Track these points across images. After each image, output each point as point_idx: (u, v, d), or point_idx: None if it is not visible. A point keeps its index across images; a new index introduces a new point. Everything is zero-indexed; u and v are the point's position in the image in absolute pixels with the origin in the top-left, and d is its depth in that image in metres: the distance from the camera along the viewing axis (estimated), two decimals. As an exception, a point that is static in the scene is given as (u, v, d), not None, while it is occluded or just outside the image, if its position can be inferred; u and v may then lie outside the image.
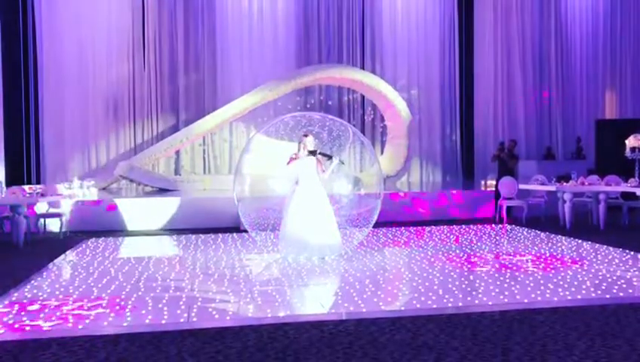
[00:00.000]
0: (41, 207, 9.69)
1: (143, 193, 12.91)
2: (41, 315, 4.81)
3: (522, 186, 11.11)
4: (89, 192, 11.63)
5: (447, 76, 17.01)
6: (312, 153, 7.23)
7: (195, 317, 4.76)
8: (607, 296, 5.29)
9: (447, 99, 17.01)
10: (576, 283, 5.81)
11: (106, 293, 5.58)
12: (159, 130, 15.35)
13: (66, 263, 7.35)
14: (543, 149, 16.77)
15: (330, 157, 7.33)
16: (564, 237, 8.81)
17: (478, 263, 6.96)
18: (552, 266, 6.67)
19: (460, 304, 5.08)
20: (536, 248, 7.93)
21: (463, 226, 10.16)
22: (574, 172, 10.66)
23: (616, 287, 5.61)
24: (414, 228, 9.98)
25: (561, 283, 5.81)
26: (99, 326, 4.53)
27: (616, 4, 17.66)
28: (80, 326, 4.50)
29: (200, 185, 13.69)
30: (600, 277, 6.05)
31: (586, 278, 6.01)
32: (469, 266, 6.78)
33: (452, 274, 6.33)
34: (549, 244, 8.24)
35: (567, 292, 5.42)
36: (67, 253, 8.03)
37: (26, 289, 5.79)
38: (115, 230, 10.20)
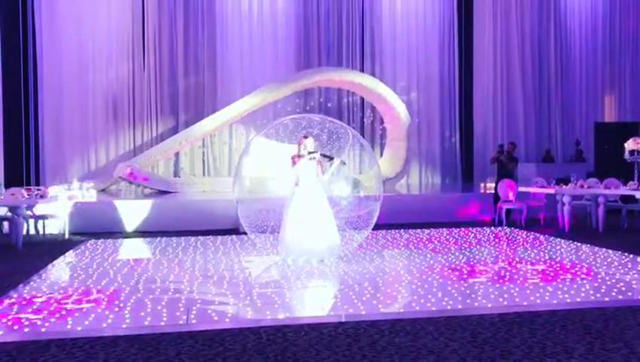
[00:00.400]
0: (40, 209, 9.67)
1: (142, 195, 12.90)
2: (40, 317, 4.80)
3: (522, 189, 11.11)
4: (88, 194, 11.62)
5: (447, 79, 17.04)
6: (312, 154, 7.22)
7: (194, 319, 4.75)
8: (607, 299, 5.29)
9: (446, 101, 17.03)
10: (575, 286, 5.80)
11: (105, 295, 5.57)
12: (159, 131, 15.36)
13: (65, 264, 7.35)
14: (542, 152, 16.79)
15: (330, 159, 7.32)
16: (563, 240, 8.81)
17: (477, 266, 6.95)
18: (551, 269, 6.67)
19: (459, 306, 5.08)
20: (535, 251, 7.93)
21: (462, 229, 10.16)
22: (573, 175, 10.67)
23: (615, 290, 5.61)
24: (413, 231, 9.97)
25: (560, 285, 5.81)
26: (98, 327, 4.52)
27: (615, 7, 17.69)
28: (79, 328, 4.50)
29: (199, 187, 13.69)
30: (599, 280, 6.05)
31: (585, 281, 6.01)
32: (468, 269, 6.77)
33: (451, 276, 6.32)
34: (548, 247, 8.24)
35: (567, 295, 5.42)
36: (66, 254, 8.03)
37: (25, 291, 5.78)
38: (114, 231, 10.20)
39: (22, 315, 4.86)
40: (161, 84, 15.44)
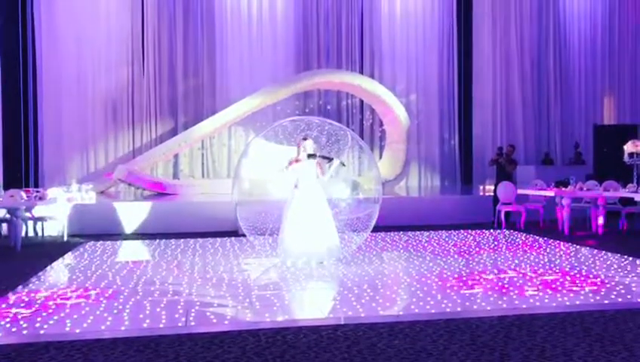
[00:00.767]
0: (39, 210, 9.66)
1: (141, 197, 12.90)
2: (39, 319, 4.79)
3: (521, 191, 11.11)
4: (87, 196, 11.61)
5: (446, 81, 17.05)
6: (312, 156, 7.22)
7: (193, 322, 4.74)
8: (606, 302, 5.28)
9: (445, 104, 17.04)
10: (574, 288, 5.80)
11: (104, 297, 5.56)
12: (158, 133, 15.35)
13: (63, 266, 7.34)
14: (541, 154, 16.80)
15: (330, 160, 7.31)
16: (562, 243, 8.81)
17: (476, 268, 6.95)
18: (550, 271, 6.66)
19: (459, 309, 5.07)
20: (534, 253, 7.93)
21: (461, 231, 10.16)
22: (573, 177, 10.67)
23: (614, 293, 5.61)
24: (412, 233, 9.97)
25: (560, 288, 5.81)
26: (96, 330, 4.51)
27: (614, 10, 17.72)
28: (77, 330, 4.49)
29: (198, 189, 13.68)
30: (598, 283, 6.05)
31: (584, 284, 6.01)
32: (467, 271, 6.77)
33: (450, 279, 6.32)
34: (547, 249, 8.24)
35: (566, 298, 5.42)
36: (65, 256, 8.02)
37: (24, 293, 5.77)
38: (113, 233, 10.19)
39: (20, 317, 4.85)
40: (161, 86, 15.44)
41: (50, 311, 5.07)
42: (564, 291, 5.69)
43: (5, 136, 14.24)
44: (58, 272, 7.02)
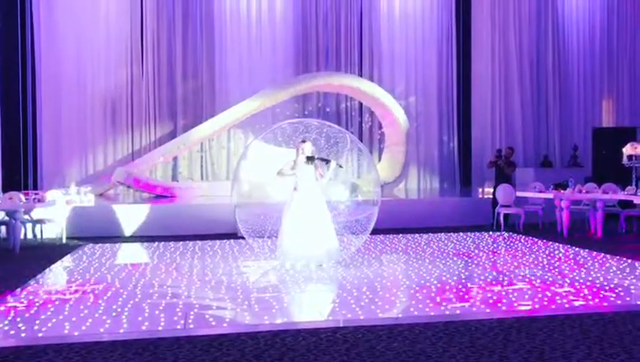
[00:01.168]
0: (37, 213, 9.65)
1: (140, 199, 12.89)
2: (37, 321, 4.78)
3: (520, 194, 11.12)
4: (86, 198, 11.60)
5: (445, 83, 17.05)
6: (310, 159, 7.23)
7: (192, 324, 4.74)
8: (605, 304, 5.29)
9: (444, 106, 17.04)
10: (573, 291, 5.80)
11: (103, 300, 5.56)
12: (157, 136, 15.34)
13: (62, 269, 7.33)
14: (540, 157, 16.81)
15: (327, 162, 7.32)
16: (561, 245, 8.81)
17: (476, 271, 6.95)
18: (549, 274, 6.66)
19: (458, 312, 5.07)
20: (533, 256, 7.93)
21: (461, 234, 10.16)
22: (572, 179, 10.67)
23: (613, 295, 5.61)
24: (412, 236, 9.96)
25: (559, 290, 5.81)
26: (95, 332, 4.51)
27: (612, 13, 17.73)
28: (76, 333, 4.48)
29: (197, 192, 13.68)
30: (597, 285, 6.05)
31: (583, 286, 6.01)
32: (466, 274, 6.77)
33: (449, 281, 6.32)
34: (547, 252, 8.24)
35: (565, 300, 5.42)
36: (64, 258, 8.01)
37: (22, 296, 5.77)
38: (111, 236, 10.17)
39: (19, 320, 4.85)
40: (160, 88, 15.43)
41: (49, 313, 5.07)
42: (563, 293, 5.69)
43: (4, 139, 14.22)
44: (57, 275, 7.01)
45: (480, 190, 15.03)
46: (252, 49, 15.88)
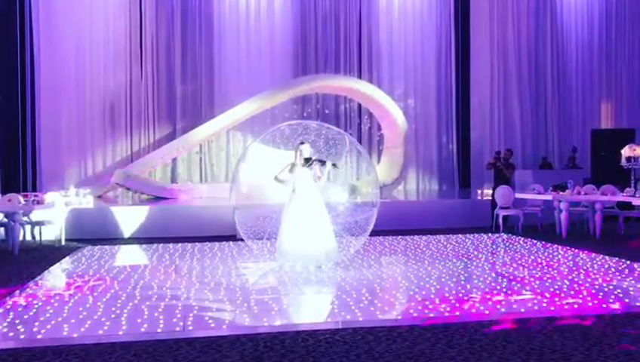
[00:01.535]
0: (36, 215, 9.64)
1: (139, 201, 12.89)
2: (36, 323, 4.78)
3: (518, 195, 11.12)
4: (85, 200, 11.59)
5: (444, 85, 17.07)
6: (307, 160, 7.24)
7: (191, 326, 4.73)
8: (604, 306, 5.29)
9: (443, 108, 17.06)
10: (572, 292, 5.81)
11: (102, 301, 5.55)
12: (156, 138, 15.34)
13: (61, 271, 7.32)
14: (539, 159, 16.82)
15: (323, 163, 7.32)
16: (560, 247, 8.82)
17: (475, 272, 6.95)
18: (548, 275, 6.67)
19: (457, 313, 5.07)
20: (532, 257, 7.93)
21: (460, 235, 10.16)
22: (571, 181, 10.68)
23: (612, 297, 5.61)
24: (411, 237, 9.96)
25: (558, 292, 5.81)
26: (94, 334, 4.50)
27: (611, 15, 17.78)
28: (75, 335, 4.48)
29: (196, 193, 13.67)
30: (596, 286, 6.05)
31: (582, 287, 6.02)
32: (465, 275, 6.77)
33: (449, 283, 6.32)
34: (546, 253, 8.25)
35: (564, 302, 5.42)
36: (63, 260, 8.00)
37: (21, 297, 5.76)
38: (110, 238, 10.17)
39: (18, 322, 4.84)
40: (159, 90, 15.43)
41: (48, 315, 5.06)
42: (562, 295, 5.69)
43: (3, 141, 14.22)
44: (56, 277, 7.01)
45: (479, 191, 15.03)
46: (251, 51, 15.89)
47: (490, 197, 11.76)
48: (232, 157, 15.42)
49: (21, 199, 9.03)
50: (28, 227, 9.67)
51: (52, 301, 5.61)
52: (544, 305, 5.33)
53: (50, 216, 9.71)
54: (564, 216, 10.12)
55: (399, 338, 4.36)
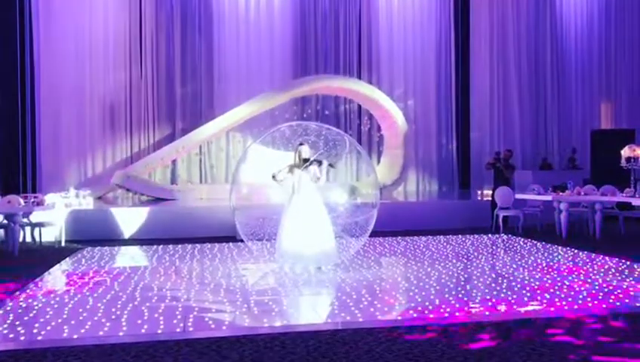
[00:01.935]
0: (36, 216, 9.64)
1: (139, 202, 12.89)
2: (36, 325, 4.78)
3: (518, 196, 11.12)
4: (85, 201, 11.59)
5: (444, 86, 17.08)
6: (305, 161, 7.25)
7: (191, 327, 4.74)
8: (604, 306, 5.29)
9: (443, 108, 17.06)
10: (572, 293, 5.81)
11: (102, 303, 5.55)
12: (156, 139, 15.35)
13: (61, 272, 7.32)
14: (539, 159, 16.82)
15: (320, 163, 7.33)
16: (560, 247, 8.82)
17: (475, 273, 6.96)
18: (548, 276, 6.67)
19: (457, 314, 5.07)
20: (532, 258, 7.93)
21: (460, 236, 10.16)
22: (570, 182, 10.69)
23: (612, 297, 5.61)
24: (410, 238, 9.96)
25: (558, 292, 5.81)
26: (94, 336, 4.50)
27: (610, 16, 17.79)
28: (75, 336, 4.48)
29: (197, 195, 13.67)
30: (596, 287, 6.05)
31: (582, 288, 6.02)
32: (465, 276, 6.78)
33: (449, 284, 6.32)
34: (546, 254, 8.25)
35: (564, 302, 5.43)
36: (62, 262, 8.00)
37: (21, 299, 5.76)
38: (110, 239, 10.17)
39: (18, 323, 4.84)
40: (159, 91, 15.44)
41: (48, 316, 5.06)
42: (562, 295, 5.69)
43: (3, 142, 14.22)
44: (56, 278, 7.01)
45: (479, 192, 15.04)
46: (251, 52, 15.90)
47: (490, 198, 11.76)
48: (231, 158, 15.42)
49: (21, 200, 9.03)
50: (28, 228, 9.66)
51: (52, 302, 5.61)
52: (544, 305, 5.33)
53: (50, 217, 9.71)
54: (564, 216, 10.12)
55: (399, 339, 4.36)
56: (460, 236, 10.15)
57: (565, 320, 4.82)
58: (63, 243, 9.63)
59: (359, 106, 16.10)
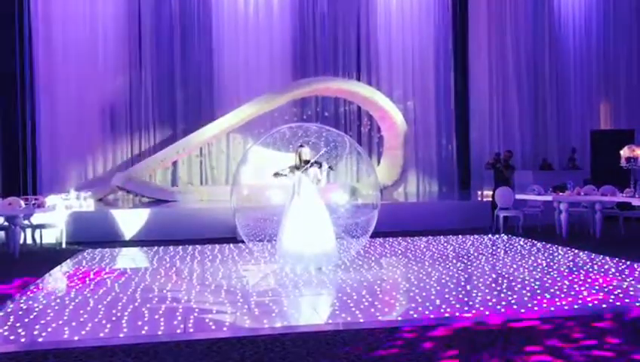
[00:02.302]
0: (37, 218, 9.65)
1: (139, 204, 12.90)
2: (37, 326, 4.78)
3: (518, 196, 11.13)
4: (86, 203, 11.60)
5: (443, 87, 17.08)
6: (305, 163, 7.26)
7: (192, 328, 4.74)
8: (604, 306, 5.29)
9: (442, 109, 17.07)
10: (572, 292, 5.81)
11: (103, 304, 5.56)
12: (156, 141, 15.36)
13: (62, 274, 7.33)
14: (538, 160, 16.83)
15: (320, 165, 7.34)
16: (560, 247, 8.83)
17: (475, 273, 6.96)
18: (548, 276, 6.67)
19: (457, 314, 5.07)
20: (532, 258, 7.94)
21: (460, 236, 10.17)
22: (570, 182, 10.69)
23: (612, 297, 5.61)
24: (411, 239, 9.97)
25: (558, 292, 5.82)
26: (95, 337, 4.51)
27: (609, 16, 17.79)
28: (76, 338, 4.49)
29: (197, 196, 13.69)
30: (597, 287, 6.06)
31: (582, 288, 6.02)
32: (465, 276, 6.78)
33: (449, 284, 6.33)
34: (546, 254, 8.25)
35: (564, 302, 5.43)
36: (63, 263, 8.01)
37: (22, 301, 5.77)
38: (111, 241, 10.18)
39: (19, 325, 4.85)
40: (159, 93, 15.45)
41: (49, 318, 5.07)
42: (563, 295, 5.69)
43: (4, 144, 14.23)
44: (56, 280, 7.02)
45: (479, 193, 15.05)
46: (250, 54, 15.91)
47: (490, 199, 11.77)
48: (232, 159, 15.43)
49: (22, 202, 9.05)
50: (29, 230, 9.68)
51: (53, 304, 5.61)
52: (544, 305, 5.33)
53: (51, 219, 9.73)
54: (564, 216, 10.13)
55: (400, 339, 4.36)
56: (460, 236, 10.16)
57: (565, 320, 4.82)
58: (63, 245, 9.63)
59: (359, 108, 16.12)
